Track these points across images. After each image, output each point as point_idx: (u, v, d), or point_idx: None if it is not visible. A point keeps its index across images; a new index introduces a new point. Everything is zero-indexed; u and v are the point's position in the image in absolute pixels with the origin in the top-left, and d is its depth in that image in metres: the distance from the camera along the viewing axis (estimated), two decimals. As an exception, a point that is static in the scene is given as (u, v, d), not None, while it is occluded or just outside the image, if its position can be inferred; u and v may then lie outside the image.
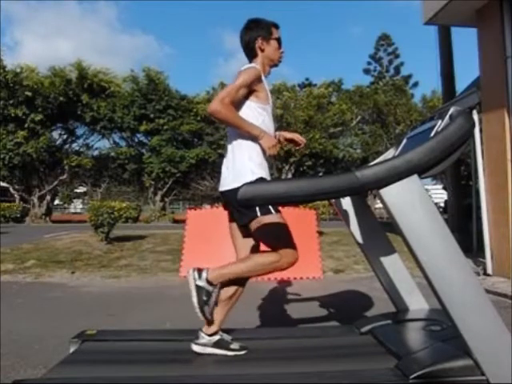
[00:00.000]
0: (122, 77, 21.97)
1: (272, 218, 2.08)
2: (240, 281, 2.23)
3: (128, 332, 2.73)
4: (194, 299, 2.06)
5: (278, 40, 2.32)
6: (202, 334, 2.17)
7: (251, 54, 2.31)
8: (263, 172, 2.16)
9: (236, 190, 2.05)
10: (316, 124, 21.46)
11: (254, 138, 2.14)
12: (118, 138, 23.11)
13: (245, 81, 2.11)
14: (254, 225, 2.11)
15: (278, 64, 2.35)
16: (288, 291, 4.93)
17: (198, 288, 2.07)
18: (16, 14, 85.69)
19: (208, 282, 2.08)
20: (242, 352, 2.16)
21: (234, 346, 2.18)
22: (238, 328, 2.57)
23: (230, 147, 2.25)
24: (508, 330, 1.80)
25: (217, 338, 2.17)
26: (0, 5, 50.68)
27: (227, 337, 2.22)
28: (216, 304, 2.13)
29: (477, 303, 1.79)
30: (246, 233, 2.22)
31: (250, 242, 2.26)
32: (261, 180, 2.11)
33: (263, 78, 2.24)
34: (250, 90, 2.16)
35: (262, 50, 2.28)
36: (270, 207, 2.08)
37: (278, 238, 2.11)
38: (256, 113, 2.19)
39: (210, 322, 2.16)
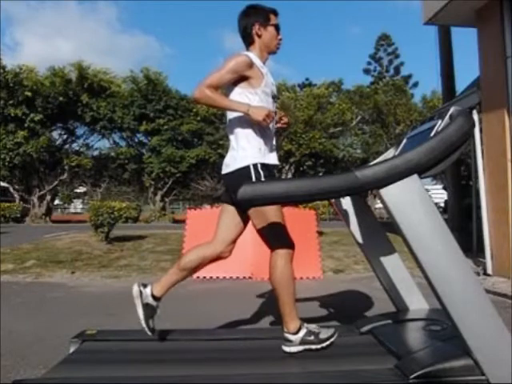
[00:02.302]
0: (121, 77, 22.00)
1: (262, 209, 2.09)
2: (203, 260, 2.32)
3: (128, 332, 2.72)
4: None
5: (277, 27, 2.30)
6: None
7: (248, 40, 2.30)
8: (261, 157, 2.16)
9: (230, 173, 2.17)
10: (316, 124, 21.45)
11: (246, 116, 2.13)
12: (118, 138, 23.14)
13: (229, 67, 2.11)
14: (252, 212, 2.16)
15: (275, 51, 2.34)
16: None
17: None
18: (16, 14, 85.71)
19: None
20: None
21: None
22: (238, 328, 2.57)
23: (229, 132, 2.27)
24: (508, 330, 1.80)
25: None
26: (0, 5, 50.63)
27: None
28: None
29: (477, 303, 1.79)
30: (242, 218, 2.28)
31: (236, 227, 2.30)
32: (256, 166, 2.13)
33: (258, 63, 2.22)
34: (241, 77, 2.15)
35: (259, 36, 2.27)
36: None
37: (270, 230, 2.14)
38: (244, 97, 2.18)
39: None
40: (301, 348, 2.12)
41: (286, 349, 2.13)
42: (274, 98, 2.33)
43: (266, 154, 2.19)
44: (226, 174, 2.21)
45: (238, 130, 2.21)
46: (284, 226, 2.18)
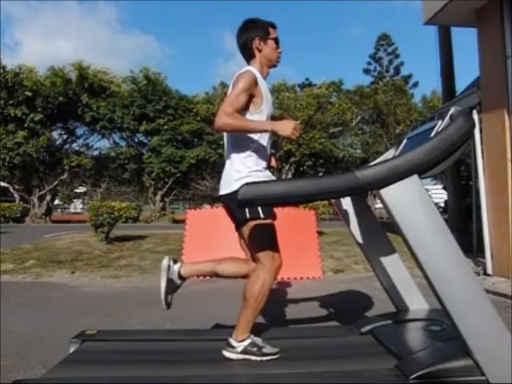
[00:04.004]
0: (121, 77, 21.99)
1: (259, 222, 2.11)
2: (234, 271, 2.33)
3: (128, 332, 2.73)
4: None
5: (276, 40, 2.30)
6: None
7: (249, 55, 2.29)
8: (253, 179, 2.09)
9: (225, 195, 2.18)
10: (316, 124, 21.44)
11: (271, 133, 2.13)
12: (118, 138, 23.10)
13: (241, 88, 2.10)
14: (243, 229, 2.17)
15: (276, 64, 2.34)
16: (288, 291, 4.93)
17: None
18: (16, 14, 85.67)
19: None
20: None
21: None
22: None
23: (226, 150, 2.27)
24: (508, 330, 1.80)
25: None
26: (0, 5, 50.65)
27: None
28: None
29: (477, 303, 1.79)
30: None
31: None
32: None
33: (260, 80, 2.22)
34: (250, 95, 2.14)
35: (260, 51, 2.26)
36: (260, 211, 2.10)
37: (260, 244, 2.14)
38: (250, 117, 2.17)
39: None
40: (240, 356, 2.10)
41: (226, 354, 2.12)
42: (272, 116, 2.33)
43: (257, 175, 2.16)
44: (222, 196, 2.22)
45: (235, 152, 2.20)
46: (276, 243, 2.18)
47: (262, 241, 2.14)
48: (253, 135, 2.17)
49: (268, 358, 2.10)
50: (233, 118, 2.04)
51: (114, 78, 21.62)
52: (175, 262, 2.28)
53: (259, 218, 2.11)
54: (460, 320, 1.76)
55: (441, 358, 1.86)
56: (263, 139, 2.22)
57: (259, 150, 2.20)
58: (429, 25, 6.82)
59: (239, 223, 2.20)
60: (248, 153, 2.18)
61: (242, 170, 2.16)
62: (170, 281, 2.23)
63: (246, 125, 2.09)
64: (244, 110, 2.14)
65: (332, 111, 22.28)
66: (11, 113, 19.12)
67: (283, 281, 5.42)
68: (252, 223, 2.12)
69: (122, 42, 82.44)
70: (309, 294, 4.60)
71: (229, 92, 2.18)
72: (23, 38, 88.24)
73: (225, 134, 2.28)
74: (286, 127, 2.05)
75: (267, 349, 2.13)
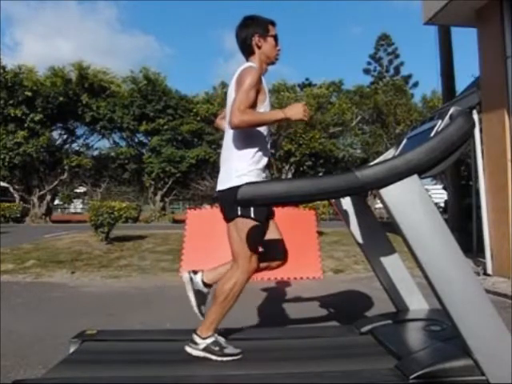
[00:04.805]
0: (121, 77, 22.00)
1: (246, 222, 2.10)
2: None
3: (128, 332, 2.73)
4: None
5: (275, 37, 2.31)
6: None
7: (248, 52, 2.30)
8: (253, 178, 2.12)
9: (222, 191, 2.18)
10: (316, 124, 21.44)
11: (283, 121, 2.16)
12: (118, 138, 23.10)
13: (249, 84, 2.09)
14: (231, 225, 2.18)
15: (274, 62, 2.34)
16: (288, 291, 4.93)
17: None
18: (16, 14, 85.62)
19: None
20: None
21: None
22: (237, 328, 2.58)
23: (225, 146, 2.26)
24: (508, 330, 1.80)
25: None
26: (0, 5, 50.64)
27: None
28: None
29: (477, 303, 1.79)
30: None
31: (271, 233, 2.31)
32: None
33: (262, 76, 2.23)
34: (257, 90, 2.14)
35: (259, 47, 2.27)
36: (251, 211, 2.10)
37: (242, 243, 2.14)
38: None
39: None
40: (201, 354, 2.11)
41: (188, 349, 2.13)
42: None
43: (255, 174, 2.17)
44: (221, 191, 2.21)
45: (236, 149, 2.19)
46: (257, 246, 2.19)
47: (245, 241, 2.14)
48: (253, 134, 2.17)
49: (229, 358, 2.09)
50: (248, 114, 2.05)
51: (114, 78, 21.63)
52: (195, 272, 2.28)
53: (249, 217, 2.10)
54: (460, 320, 1.76)
55: (441, 358, 1.86)
56: (263, 138, 2.23)
57: (260, 150, 2.20)
58: (429, 25, 6.82)
59: (229, 218, 2.20)
60: (249, 151, 2.17)
61: (242, 168, 2.15)
62: (197, 292, 2.24)
63: (261, 118, 2.12)
64: (251, 107, 2.13)
65: (332, 111, 22.28)
66: (11, 113, 19.12)
67: (283, 281, 5.42)
68: (240, 221, 2.12)
69: (122, 42, 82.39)
70: (309, 294, 4.60)
71: (232, 88, 2.18)
72: (23, 37, 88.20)
73: (226, 133, 2.27)
74: (298, 111, 2.07)
75: (229, 349, 2.12)
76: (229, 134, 2.23)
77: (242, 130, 2.11)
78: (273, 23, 2.32)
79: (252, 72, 2.14)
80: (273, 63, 2.34)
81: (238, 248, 2.15)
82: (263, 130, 2.22)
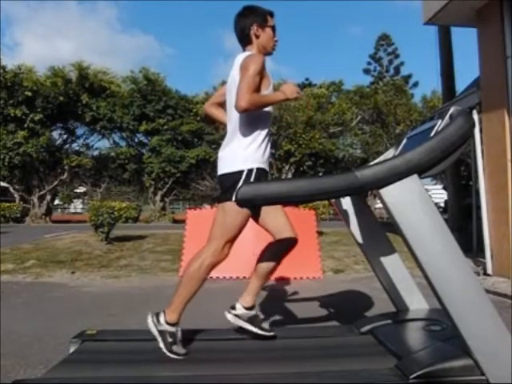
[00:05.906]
0: (121, 77, 22.01)
1: (238, 209, 2.04)
2: (275, 258, 2.34)
3: (128, 332, 2.73)
4: (161, 344, 2.12)
5: (273, 28, 2.34)
6: (239, 306, 2.25)
7: (246, 41, 2.32)
8: (257, 164, 2.18)
9: (224, 174, 2.20)
10: (316, 124, 21.44)
11: (283, 101, 2.24)
12: (118, 138, 23.15)
13: (256, 69, 2.12)
14: (222, 205, 2.21)
15: (271, 52, 2.37)
16: (287, 291, 4.93)
17: (161, 332, 2.13)
18: (16, 14, 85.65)
19: (168, 323, 2.15)
20: (271, 333, 2.25)
21: (265, 325, 2.28)
22: (238, 328, 2.57)
23: (230, 130, 2.28)
24: (508, 330, 1.80)
25: (252, 313, 2.26)
26: (0, 5, 50.64)
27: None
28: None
29: (477, 303, 1.79)
30: (258, 215, 2.32)
31: (275, 220, 2.32)
32: (250, 172, 2.15)
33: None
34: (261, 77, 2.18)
35: (257, 37, 2.30)
36: None
37: (223, 228, 2.18)
38: None
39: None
40: (155, 333, 2.12)
41: (149, 320, 2.15)
42: None
43: (259, 160, 2.21)
44: (222, 175, 2.23)
45: (241, 136, 2.21)
46: (235, 238, 2.21)
47: (228, 226, 2.17)
48: (256, 127, 2.21)
49: (172, 355, 2.09)
50: (254, 96, 2.10)
51: (114, 78, 21.65)
52: (233, 308, 2.32)
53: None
54: (460, 320, 1.76)
55: (441, 357, 1.86)
56: (265, 132, 2.26)
57: (262, 142, 2.23)
58: (429, 25, 6.82)
59: (221, 200, 2.23)
60: (253, 142, 2.21)
61: (248, 155, 2.18)
62: (250, 320, 2.29)
63: (266, 99, 2.18)
64: (256, 91, 2.17)
65: (332, 111, 22.28)
66: (11, 113, 19.14)
67: (283, 280, 5.42)
68: (229, 205, 2.13)
69: (122, 42, 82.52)
70: (309, 294, 4.60)
71: (236, 73, 2.20)
72: (23, 38, 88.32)
73: (228, 123, 2.29)
74: (292, 90, 2.18)
75: (176, 348, 2.12)
76: (233, 119, 2.24)
77: (248, 114, 2.14)
78: (271, 14, 2.35)
79: (257, 58, 2.18)
80: (270, 53, 2.37)
81: (217, 230, 2.20)
82: (265, 124, 2.26)
